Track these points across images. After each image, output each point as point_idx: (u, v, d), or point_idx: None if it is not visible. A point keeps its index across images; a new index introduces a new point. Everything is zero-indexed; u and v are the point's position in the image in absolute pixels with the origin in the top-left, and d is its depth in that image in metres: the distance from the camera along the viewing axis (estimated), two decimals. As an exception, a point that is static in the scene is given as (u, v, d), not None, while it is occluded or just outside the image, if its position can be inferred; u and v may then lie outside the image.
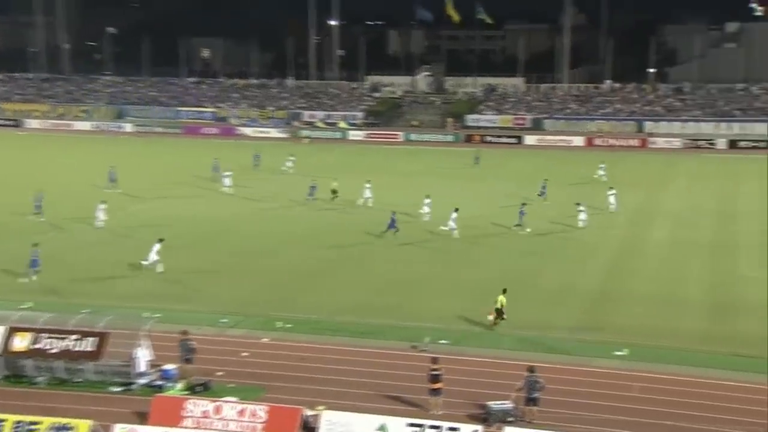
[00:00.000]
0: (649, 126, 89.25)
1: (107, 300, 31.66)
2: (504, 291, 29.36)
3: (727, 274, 36.44)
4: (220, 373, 25.07)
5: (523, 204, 44.79)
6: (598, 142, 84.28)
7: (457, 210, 42.86)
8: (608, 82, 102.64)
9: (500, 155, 76.33)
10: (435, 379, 22.57)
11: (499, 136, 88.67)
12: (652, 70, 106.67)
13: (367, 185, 51.07)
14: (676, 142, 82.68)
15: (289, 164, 64.79)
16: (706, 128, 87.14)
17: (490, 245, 41.59)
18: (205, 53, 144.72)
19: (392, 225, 41.80)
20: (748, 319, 30.41)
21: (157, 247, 35.86)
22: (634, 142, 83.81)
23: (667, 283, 34.89)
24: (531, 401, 22.03)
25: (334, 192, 51.71)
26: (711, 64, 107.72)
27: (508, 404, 22.37)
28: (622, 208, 49.11)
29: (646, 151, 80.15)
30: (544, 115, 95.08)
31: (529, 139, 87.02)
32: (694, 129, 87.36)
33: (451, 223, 42.19)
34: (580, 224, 43.82)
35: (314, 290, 34.27)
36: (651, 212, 49.58)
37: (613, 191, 49.57)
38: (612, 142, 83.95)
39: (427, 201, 46.73)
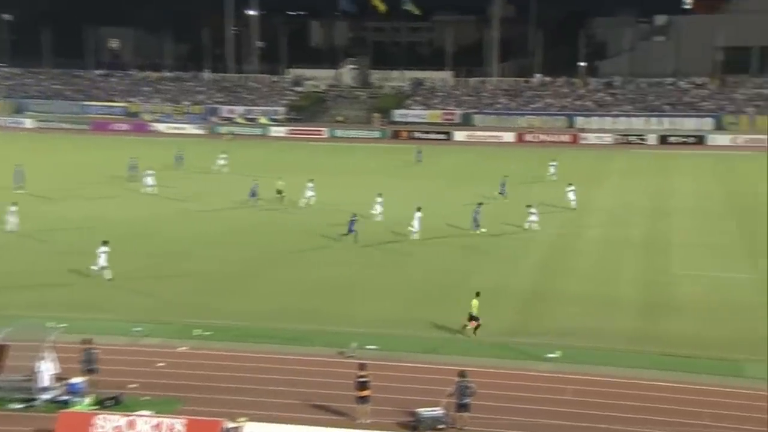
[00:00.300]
0: (580, 121, 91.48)
1: (10, 309, 30.54)
2: (477, 294, 29.52)
3: (659, 272, 37.55)
4: (133, 386, 24.54)
5: (479, 204, 45.15)
6: (528, 137, 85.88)
7: (419, 209, 42.99)
8: (538, 75, 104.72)
9: (432, 152, 77.01)
10: (362, 386, 22.60)
11: (428, 132, 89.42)
12: (582, 64, 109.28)
13: (310, 184, 50.99)
14: (607, 138, 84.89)
15: (222, 162, 64.24)
16: (637, 123, 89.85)
17: (436, 246, 41.69)
18: (114, 44, 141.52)
19: (351, 228, 41.66)
20: (680, 318, 31.39)
21: (103, 249, 35.05)
22: (565, 138, 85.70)
23: (600, 283, 35.76)
24: (462, 407, 22.24)
25: (279, 192, 51.36)
26: (640, 57, 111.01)
27: (438, 411, 22.55)
28: (562, 207, 50.17)
29: (577, 147, 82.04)
30: (474, 110, 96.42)
31: (459, 135, 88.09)
32: (624, 124, 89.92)
33: (416, 224, 42.49)
34: (526, 226, 44.39)
35: (238, 295, 33.91)
36: (584, 210, 50.64)
37: (572, 188, 50.49)
38: (543, 137, 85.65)
39: (379, 200, 46.77)
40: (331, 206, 49.54)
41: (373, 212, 45.98)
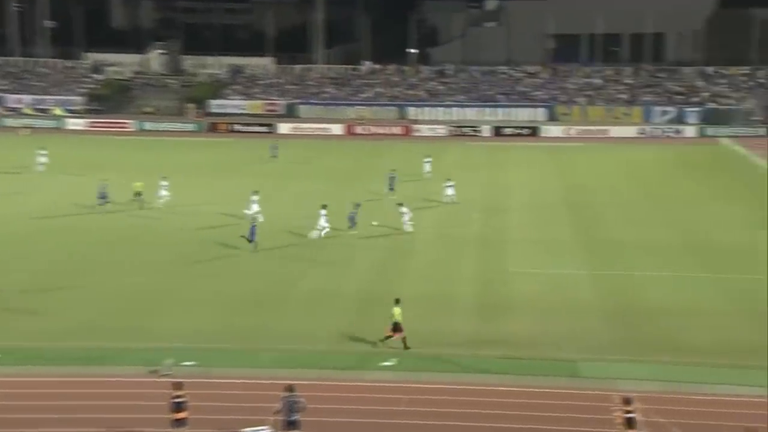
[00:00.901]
0: (412, 112, 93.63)
1: None
2: (397, 302, 29.39)
3: (496, 271, 39.01)
4: None
5: (357, 205, 45.28)
6: (359, 130, 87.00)
7: (325, 207, 43.15)
8: (367, 63, 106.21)
9: (258, 146, 76.72)
10: (179, 407, 22.09)
11: (249, 125, 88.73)
12: (413, 51, 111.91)
13: (164, 183, 50.28)
14: (441, 130, 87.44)
15: (43, 159, 61.54)
16: (471, 114, 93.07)
17: (293, 250, 41.59)
18: None
19: (252, 235, 40.86)
20: (517, 318, 32.78)
21: None
22: (397, 130, 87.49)
23: (436, 284, 36.74)
24: (291, 424, 22.18)
25: (137, 194, 49.83)
26: (472, 44, 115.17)
27: (265, 430, 22.44)
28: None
29: (409, 140, 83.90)
30: (299, 100, 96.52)
31: (283, 128, 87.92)
32: (458, 115, 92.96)
33: (323, 223, 42.73)
34: (406, 227, 45.00)
35: (35, 311, 32.39)
36: (420, 207, 51.75)
37: (451, 183, 52.30)
38: (374, 130, 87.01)
39: (255, 198, 46.30)
40: (184, 207, 49.47)
41: (248, 212, 45.51)
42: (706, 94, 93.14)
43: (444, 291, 35.73)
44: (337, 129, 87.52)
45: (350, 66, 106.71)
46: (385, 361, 28.06)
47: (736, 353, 28.92)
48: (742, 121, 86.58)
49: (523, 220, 48.92)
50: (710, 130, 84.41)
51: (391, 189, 53.39)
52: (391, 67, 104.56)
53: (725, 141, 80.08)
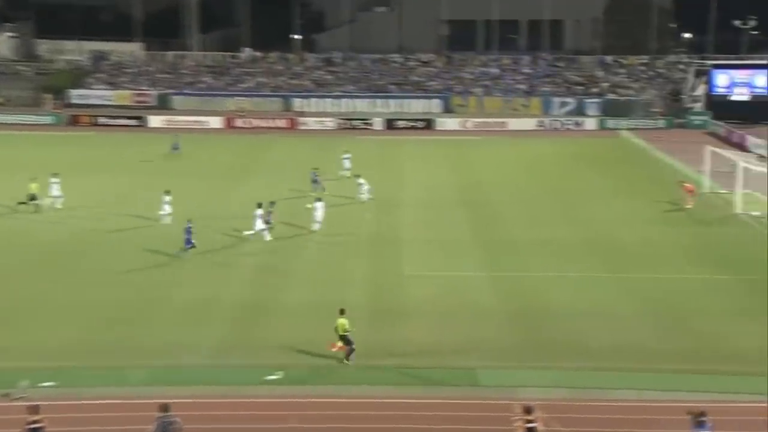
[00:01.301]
0: (297, 103, 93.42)
1: None
2: (342, 312, 29.19)
3: (390, 274, 39.15)
4: None
5: (271, 203, 45.16)
6: (239, 123, 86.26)
7: (260, 205, 43.38)
8: (248, 50, 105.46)
9: (123, 140, 75.04)
10: (37, 434, 21.53)
11: (116, 117, 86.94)
12: (297, 37, 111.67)
13: (54, 180, 49.36)
14: (329, 122, 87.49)
15: None
16: (361, 105, 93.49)
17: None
18: None
19: (188, 240, 40.21)
20: (412, 324, 32.98)
21: None
22: (282, 123, 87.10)
23: (326, 288, 36.69)
24: (166, 448, 21.91)
25: (32, 198, 48.48)
26: (362, 30, 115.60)
27: (137, 455, 22.05)
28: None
29: (295, 134, 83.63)
30: (172, 91, 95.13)
31: (155, 121, 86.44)
32: (348, 106, 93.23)
33: (259, 223, 42.98)
34: (315, 226, 45.29)
35: None
36: (300, 207, 51.72)
37: (362, 180, 53.39)
38: (256, 123, 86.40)
39: (167, 198, 45.97)
40: (79, 210, 48.94)
41: (162, 213, 45.69)
42: (606, 84, 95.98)
43: (334, 296, 35.63)
44: (215, 122, 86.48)
45: (229, 53, 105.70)
46: (270, 374, 27.84)
47: (637, 356, 29.86)
48: (642, 113, 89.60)
49: (418, 219, 49.33)
50: (610, 122, 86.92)
51: (315, 185, 54.23)
52: (274, 55, 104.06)
53: (625, 133, 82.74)
